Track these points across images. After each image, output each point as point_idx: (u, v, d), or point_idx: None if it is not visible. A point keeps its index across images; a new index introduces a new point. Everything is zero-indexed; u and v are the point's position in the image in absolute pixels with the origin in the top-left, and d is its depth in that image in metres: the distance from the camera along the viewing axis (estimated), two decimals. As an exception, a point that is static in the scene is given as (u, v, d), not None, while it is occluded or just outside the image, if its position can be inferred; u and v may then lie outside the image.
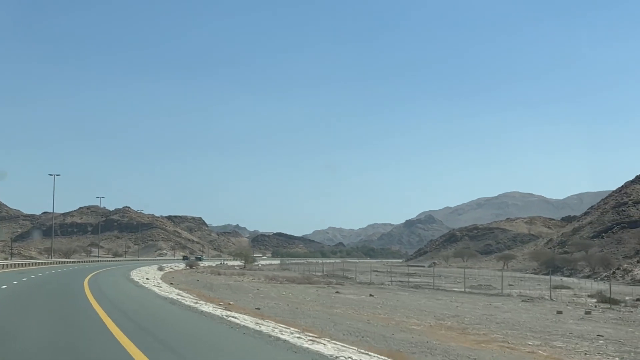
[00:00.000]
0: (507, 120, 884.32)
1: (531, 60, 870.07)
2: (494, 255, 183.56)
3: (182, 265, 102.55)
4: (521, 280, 71.39)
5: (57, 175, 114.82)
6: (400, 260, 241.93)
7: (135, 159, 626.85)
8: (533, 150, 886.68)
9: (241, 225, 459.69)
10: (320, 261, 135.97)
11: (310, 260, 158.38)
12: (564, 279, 77.89)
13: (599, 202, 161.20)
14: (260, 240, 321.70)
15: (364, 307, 29.50)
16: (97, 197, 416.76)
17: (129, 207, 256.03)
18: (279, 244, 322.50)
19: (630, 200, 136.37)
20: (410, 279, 67.87)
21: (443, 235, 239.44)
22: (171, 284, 45.25)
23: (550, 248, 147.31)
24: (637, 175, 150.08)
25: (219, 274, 71.92)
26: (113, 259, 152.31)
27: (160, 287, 39.06)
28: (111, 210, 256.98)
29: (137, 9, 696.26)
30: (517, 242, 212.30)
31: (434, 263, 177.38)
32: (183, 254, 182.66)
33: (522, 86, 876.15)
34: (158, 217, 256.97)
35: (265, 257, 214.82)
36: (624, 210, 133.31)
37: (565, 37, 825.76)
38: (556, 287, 48.82)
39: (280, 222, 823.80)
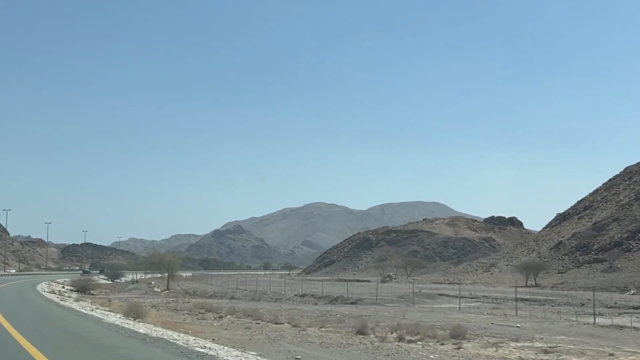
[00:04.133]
0: (310, 134, 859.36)
1: (312, 76, 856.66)
2: (453, 263, 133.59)
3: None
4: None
5: None
6: (296, 272, 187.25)
7: None
8: (335, 162, 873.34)
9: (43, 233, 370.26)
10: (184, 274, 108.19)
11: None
12: None
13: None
14: (72, 251, 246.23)
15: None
16: None
17: None
18: (94, 255, 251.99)
19: None
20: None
21: (351, 240, 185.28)
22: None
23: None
24: None
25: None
26: None
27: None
28: None
29: None
30: (452, 247, 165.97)
31: (388, 276, 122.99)
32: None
33: (321, 103, 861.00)
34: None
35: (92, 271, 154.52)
36: None
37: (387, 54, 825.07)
38: None
39: (80, 233, 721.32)
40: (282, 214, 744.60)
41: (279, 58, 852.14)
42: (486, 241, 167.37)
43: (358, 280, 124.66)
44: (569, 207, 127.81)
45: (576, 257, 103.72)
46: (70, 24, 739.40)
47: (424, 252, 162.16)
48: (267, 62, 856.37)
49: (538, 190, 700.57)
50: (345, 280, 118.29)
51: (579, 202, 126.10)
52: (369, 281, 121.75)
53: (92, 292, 60.25)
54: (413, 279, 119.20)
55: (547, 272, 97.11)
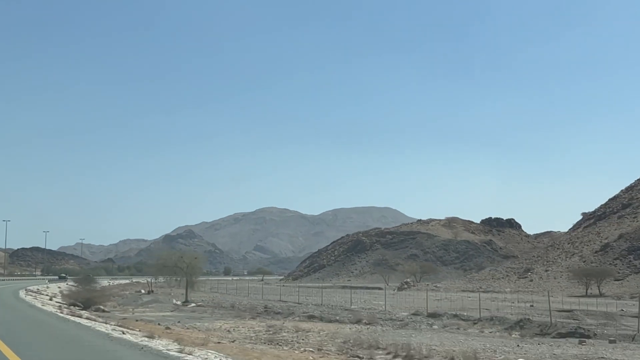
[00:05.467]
0: (261, 139, 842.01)
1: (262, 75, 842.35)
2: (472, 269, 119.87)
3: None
4: None
5: None
6: (279, 279, 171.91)
7: None
8: (288, 166, 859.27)
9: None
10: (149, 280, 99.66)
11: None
12: None
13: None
14: (21, 256, 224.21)
15: None
16: None
17: None
18: (45, 259, 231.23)
19: None
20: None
21: (341, 243, 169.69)
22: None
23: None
24: None
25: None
26: None
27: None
28: None
29: None
30: (453, 250, 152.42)
31: (405, 283, 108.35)
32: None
33: (272, 108, 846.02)
34: None
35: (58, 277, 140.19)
36: None
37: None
38: None
39: (27, 237, 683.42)
40: (233, 219, 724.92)
41: (236, 64, 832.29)
42: (487, 244, 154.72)
43: (367, 288, 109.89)
44: (597, 205, 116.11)
45: (630, 261, 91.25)
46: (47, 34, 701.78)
47: (424, 256, 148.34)
48: (222, 68, 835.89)
49: (478, 195, 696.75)
50: (351, 288, 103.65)
51: (611, 200, 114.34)
52: (379, 288, 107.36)
53: (101, 307, 43.50)
54: (435, 286, 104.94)
55: (602, 279, 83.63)
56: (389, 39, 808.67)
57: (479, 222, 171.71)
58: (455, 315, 33.62)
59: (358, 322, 33.05)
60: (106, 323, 27.41)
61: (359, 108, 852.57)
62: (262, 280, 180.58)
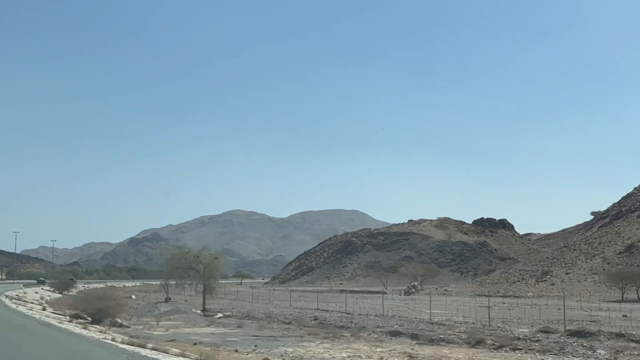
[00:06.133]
0: (231, 143, 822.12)
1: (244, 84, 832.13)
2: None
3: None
4: None
5: None
6: (262, 282, 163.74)
7: None
8: (255, 169, 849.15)
9: None
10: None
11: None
12: None
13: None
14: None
15: None
16: None
17: None
18: (8, 263, 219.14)
19: None
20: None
21: (329, 245, 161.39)
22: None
23: None
24: None
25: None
26: None
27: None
28: None
29: None
30: (449, 252, 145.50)
31: (413, 287, 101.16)
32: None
33: (239, 109, 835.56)
34: None
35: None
36: None
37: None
38: None
39: None
40: (200, 222, 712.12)
41: (203, 69, 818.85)
42: (482, 246, 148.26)
43: (369, 292, 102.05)
44: (608, 205, 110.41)
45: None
46: None
47: (419, 258, 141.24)
48: (190, 73, 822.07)
49: (443, 197, 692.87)
50: (351, 292, 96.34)
51: (624, 198, 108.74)
52: (383, 293, 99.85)
53: (118, 320, 34.83)
54: (446, 290, 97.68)
55: (631, 283, 77.12)
56: (360, 49, 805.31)
57: (470, 222, 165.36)
58: (621, 335, 25.81)
59: (479, 343, 25.26)
60: (158, 350, 18.98)
61: (328, 113, 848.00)
62: (240, 283, 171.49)
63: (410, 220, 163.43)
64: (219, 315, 42.21)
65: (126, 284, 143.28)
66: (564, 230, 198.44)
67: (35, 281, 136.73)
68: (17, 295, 65.25)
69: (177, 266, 53.12)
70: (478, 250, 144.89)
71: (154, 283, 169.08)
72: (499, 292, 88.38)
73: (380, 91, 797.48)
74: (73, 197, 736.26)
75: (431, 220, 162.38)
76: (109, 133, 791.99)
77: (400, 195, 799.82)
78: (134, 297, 73.43)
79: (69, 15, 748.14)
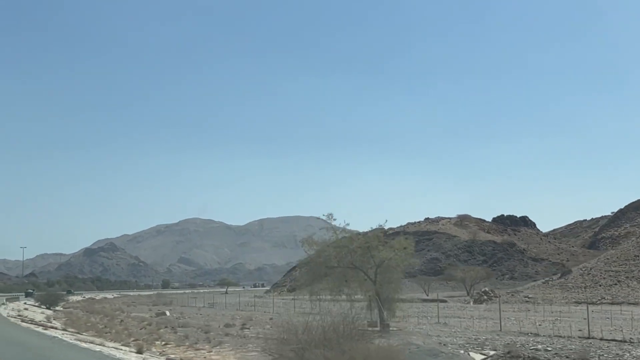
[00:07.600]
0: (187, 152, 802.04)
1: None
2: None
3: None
4: None
5: None
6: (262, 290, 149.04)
7: None
8: (211, 176, 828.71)
9: None
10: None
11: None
12: None
13: None
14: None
15: None
16: None
17: None
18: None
19: None
20: None
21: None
22: None
23: None
24: None
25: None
26: None
27: None
28: None
29: None
30: (479, 252, 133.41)
31: (484, 293, 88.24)
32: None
33: (193, 114, 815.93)
34: None
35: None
36: None
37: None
38: None
39: None
40: (156, 231, 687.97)
41: (154, 68, 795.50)
42: (509, 246, 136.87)
43: (424, 300, 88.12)
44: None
45: None
46: None
47: (447, 260, 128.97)
48: (140, 72, 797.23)
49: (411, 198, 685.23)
50: (402, 301, 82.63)
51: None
52: (445, 301, 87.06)
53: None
54: (527, 297, 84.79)
55: None
56: (328, 54, 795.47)
57: (490, 220, 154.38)
58: None
59: None
60: None
61: (284, 116, 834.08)
62: (226, 292, 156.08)
63: (427, 219, 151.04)
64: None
65: (107, 296, 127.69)
66: (568, 225, 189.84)
67: (17, 295, 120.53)
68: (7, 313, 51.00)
69: (329, 264, 30.86)
70: (509, 250, 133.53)
71: (131, 294, 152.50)
72: (604, 298, 76.11)
73: (332, 92, 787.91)
74: (22, 207, 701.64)
75: (450, 219, 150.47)
76: (58, 141, 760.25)
77: (360, 200, 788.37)
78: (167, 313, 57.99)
79: (60, 17, 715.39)
